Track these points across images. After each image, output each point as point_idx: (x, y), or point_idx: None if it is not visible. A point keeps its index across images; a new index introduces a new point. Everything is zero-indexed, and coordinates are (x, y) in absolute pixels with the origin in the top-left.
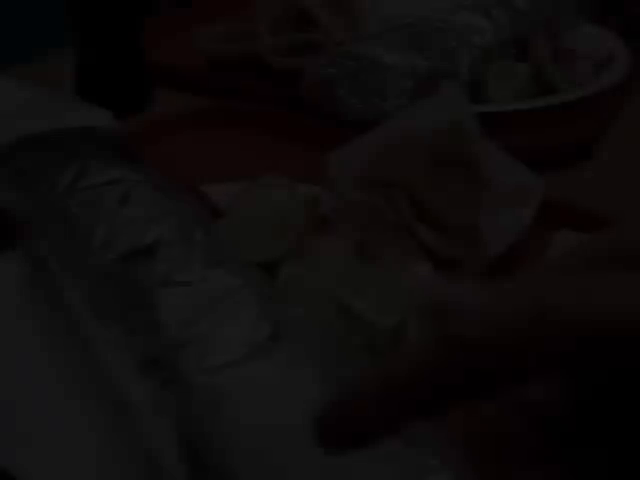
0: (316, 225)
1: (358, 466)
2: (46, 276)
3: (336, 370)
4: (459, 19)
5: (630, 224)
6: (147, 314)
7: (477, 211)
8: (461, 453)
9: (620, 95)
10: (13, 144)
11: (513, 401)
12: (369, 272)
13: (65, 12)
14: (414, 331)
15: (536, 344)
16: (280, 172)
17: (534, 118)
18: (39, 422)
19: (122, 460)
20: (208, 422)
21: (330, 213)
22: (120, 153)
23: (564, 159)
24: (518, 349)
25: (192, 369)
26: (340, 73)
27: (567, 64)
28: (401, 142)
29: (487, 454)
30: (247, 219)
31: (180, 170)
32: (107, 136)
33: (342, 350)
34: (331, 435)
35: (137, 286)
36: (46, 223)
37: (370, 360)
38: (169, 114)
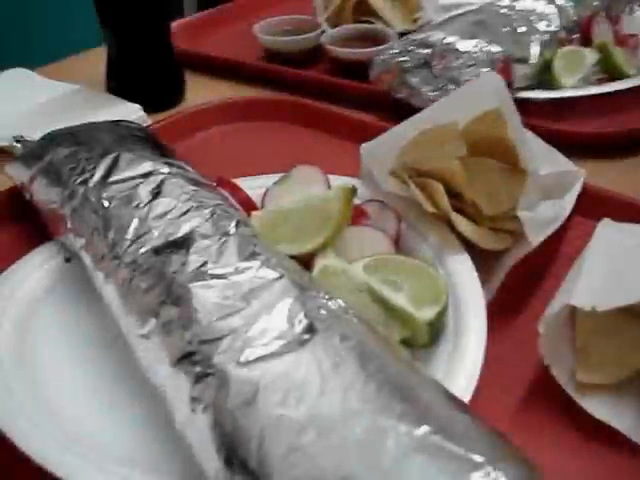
0: (352, 217)
1: (400, 460)
2: (80, 269)
3: (374, 362)
4: (523, 5)
5: None
6: (182, 308)
7: (516, 201)
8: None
9: None
10: (47, 139)
11: None
12: (406, 264)
13: (96, 12)
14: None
15: None
16: (315, 165)
17: (602, 103)
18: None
19: (159, 454)
20: (244, 415)
21: (366, 205)
22: (152, 146)
23: (633, 145)
24: None
25: (228, 363)
26: (413, 61)
27: (631, 49)
28: (436, 131)
29: None
30: (282, 212)
31: (212, 163)
32: (139, 129)
33: (380, 342)
34: None
35: (171, 280)
36: (80, 217)
37: (409, 351)
38: (200, 109)
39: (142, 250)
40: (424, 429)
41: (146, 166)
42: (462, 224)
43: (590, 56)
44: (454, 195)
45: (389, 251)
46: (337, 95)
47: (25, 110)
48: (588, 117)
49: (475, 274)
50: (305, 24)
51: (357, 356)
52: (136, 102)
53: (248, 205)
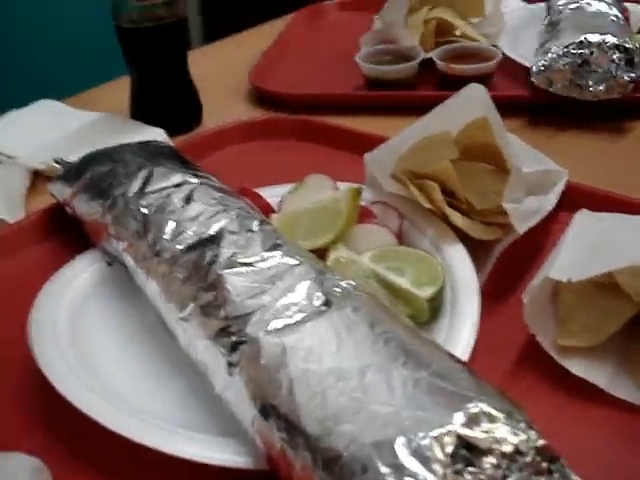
0: (359, 216)
1: (407, 396)
2: (121, 270)
3: (381, 325)
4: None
5: None
6: (217, 292)
7: (502, 197)
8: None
9: None
10: (85, 159)
11: None
12: (407, 253)
13: (122, 49)
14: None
15: None
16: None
17: None
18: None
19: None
20: (275, 371)
21: (371, 206)
22: (179, 161)
23: None
24: None
25: (258, 331)
26: (575, 62)
27: None
28: (432, 139)
29: None
30: (298, 213)
31: (231, 178)
32: (165, 147)
33: (386, 312)
34: None
35: (207, 270)
36: (121, 223)
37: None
38: (218, 130)
39: (179, 247)
40: (424, 373)
41: (177, 177)
42: (456, 218)
43: None
44: (449, 194)
45: (391, 243)
46: None
47: (58, 137)
48: None
49: (469, 261)
50: (404, 52)
51: (367, 321)
52: (158, 127)
53: (267, 210)
